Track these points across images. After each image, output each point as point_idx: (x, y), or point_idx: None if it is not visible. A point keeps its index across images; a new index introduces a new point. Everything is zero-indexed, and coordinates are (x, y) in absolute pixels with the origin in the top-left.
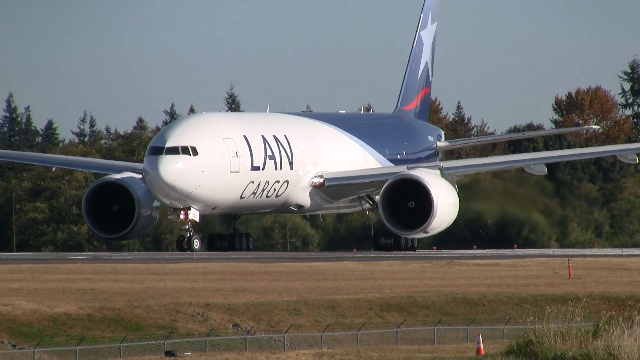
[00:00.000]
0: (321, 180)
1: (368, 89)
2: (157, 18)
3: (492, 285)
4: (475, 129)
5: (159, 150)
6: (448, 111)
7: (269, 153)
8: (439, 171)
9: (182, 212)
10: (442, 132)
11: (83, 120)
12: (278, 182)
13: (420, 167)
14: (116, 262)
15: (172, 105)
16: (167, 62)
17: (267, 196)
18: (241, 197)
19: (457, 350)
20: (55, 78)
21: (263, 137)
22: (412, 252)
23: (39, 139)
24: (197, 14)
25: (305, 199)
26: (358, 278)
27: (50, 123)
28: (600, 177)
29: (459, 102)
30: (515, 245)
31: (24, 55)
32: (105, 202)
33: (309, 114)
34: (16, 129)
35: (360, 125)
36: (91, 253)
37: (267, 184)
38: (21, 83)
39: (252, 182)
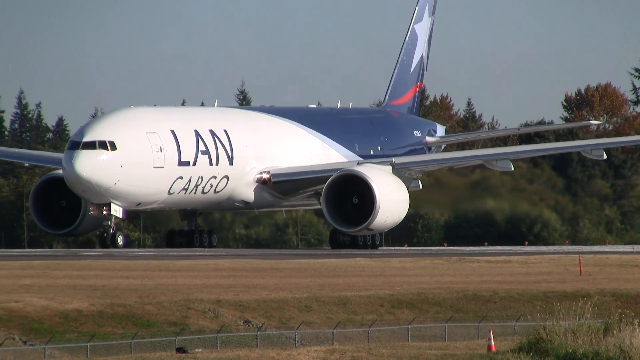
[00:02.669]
0: (267, 176)
1: (379, 84)
2: (168, 15)
3: (503, 282)
4: (486, 126)
5: (76, 145)
6: (459, 108)
7: (201, 148)
8: (390, 167)
9: (104, 207)
10: (439, 127)
11: (94, 117)
12: (215, 177)
13: (370, 162)
14: (127, 259)
15: (183, 102)
16: (178, 59)
17: (203, 192)
18: (169, 193)
19: (468, 347)
20: (66, 74)
21: (196, 131)
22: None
23: (50, 135)
24: (208, 11)
25: (249, 196)
26: (369, 275)
27: (61, 119)
28: (611, 174)
29: (469, 99)
30: (526, 242)
31: (35, 51)
32: (54, 197)
33: (267, 108)
34: (27, 125)
35: (325, 120)
36: (102, 250)
37: (200, 180)
38: (32, 80)
39: (181, 177)
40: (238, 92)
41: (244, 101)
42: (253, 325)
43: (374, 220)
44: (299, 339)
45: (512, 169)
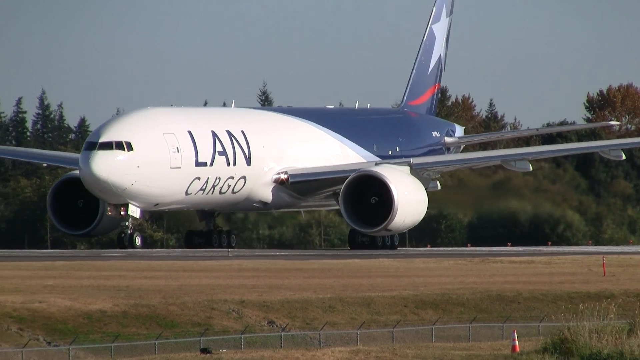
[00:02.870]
0: (284, 176)
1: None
2: (190, 15)
3: (527, 283)
4: (508, 126)
5: (93, 146)
6: (481, 108)
7: (218, 149)
8: (408, 168)
9: (121, 208)
10: (458, 128)
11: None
12: (232, 178)
13: (388, 163)
14: (151, 259)
15: (205, 103)
16: (201, 59)
17: (220, 192)
18: (187, 194)
19: (492, 347)
20: (87, 75)
21: (213, 132)
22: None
23: (72, 136)
24: (229, 13)
25: (267, 196)
26: (393, 275)
27: (83, 120)
28: (634, 174)
29: (491, 100)
30: (550, 243)
31: (57, 52)
32: (72, 198)
33: (284, 109)
34: (49, 125)
35: (343, 120)
36: (126, 250)
37: (217, 180)
38: (54, 80)
39: (198, 178)
40: (260, 93)
41: (265, 102)
42: (277, 326)
43: (392, 221)
44: (323, 340)
45: (531, 169)
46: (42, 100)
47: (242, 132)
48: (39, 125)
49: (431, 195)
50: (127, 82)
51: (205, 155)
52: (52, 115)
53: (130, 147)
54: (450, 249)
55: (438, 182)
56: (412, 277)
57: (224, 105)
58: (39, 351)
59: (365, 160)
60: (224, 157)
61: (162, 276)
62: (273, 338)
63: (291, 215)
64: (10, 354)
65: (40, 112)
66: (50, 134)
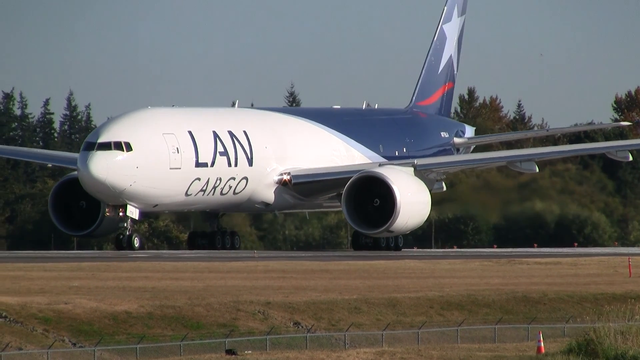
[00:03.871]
0: (287, 177)
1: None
2: (217, 16)
3: (553, 284)
4: (535, 128)
5: (91, 146)
6: (509, 109)
7: (220, 149)
8: (412, 168)
9: (120, 209)
10: (468, 128)
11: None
12: (233, 179)
13: (392, 164)
14: (177, 261)
15: (233, 104)
16: (228, 59)
17: (221, 193)
18: (187, 195)
19: (517, 348)
20: (115, 76)
21: (214, 132)
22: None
23: None
24: (256, 13)
25: (270, 197)
26: (418, 276)
27: None
28: None
29: (519, 101)
30: (576, 244)
31: (85, 53)
32: (74, 198)
33: (288, 109)
34: (76, 127)
35: (348, 121)
36: (151, 251)
37: (218, 181)
38: (81, 81)
39: (199, 179)
40: (287, 94)
41: (293, 103)
42: (302, 327)
43: (394, 223)
44: (348, 341)
45: (537, 170)
46: (69, 101)
47: (244, 132)
48: (66, 127)
49: (457, 197)
50: (155, 83)
51: (205, 156)
52: (79, 117)
53: (129, 147)
54: (476, 250)
55: (443, 183)
56: (438, 278)
57: (252, 106)
58: (64, 352)
59: (370, 161)
60: (225, 157)
61: (188, 277)
62: (298, 339)
63: (318, 216)
64: (35, 355)
65: (67, 113)
66: (77, 135)
